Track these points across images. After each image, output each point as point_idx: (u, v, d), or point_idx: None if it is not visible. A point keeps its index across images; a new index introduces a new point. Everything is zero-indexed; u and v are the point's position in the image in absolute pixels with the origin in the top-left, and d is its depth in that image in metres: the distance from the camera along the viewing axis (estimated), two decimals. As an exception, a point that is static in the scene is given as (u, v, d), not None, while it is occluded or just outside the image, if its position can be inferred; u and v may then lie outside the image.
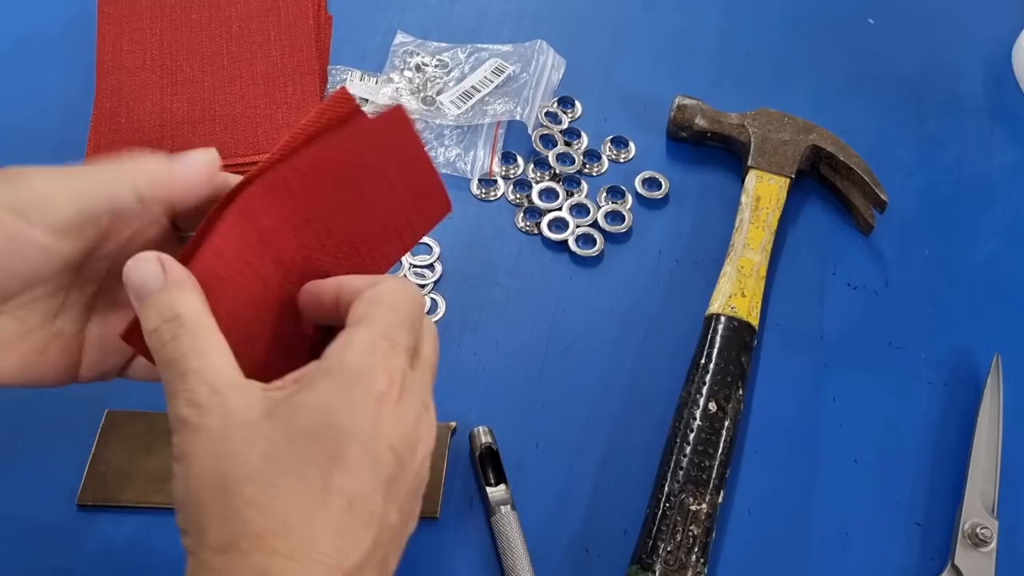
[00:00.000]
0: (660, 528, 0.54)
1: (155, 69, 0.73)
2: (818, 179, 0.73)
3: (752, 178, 0.69)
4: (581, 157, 0.73)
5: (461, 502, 0.57)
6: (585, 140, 0.74)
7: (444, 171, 0.72)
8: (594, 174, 0.73)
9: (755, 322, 0.62)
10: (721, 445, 0.57)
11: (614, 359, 0.63)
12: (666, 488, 0.55)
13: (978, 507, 0.57)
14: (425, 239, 0.65)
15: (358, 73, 0.76)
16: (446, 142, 0.73)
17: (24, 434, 0.58)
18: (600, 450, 0.60)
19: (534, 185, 0.71)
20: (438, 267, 0.66)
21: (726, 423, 0.58)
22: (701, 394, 0.58)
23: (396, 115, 0.44)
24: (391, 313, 0.38)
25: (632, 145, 0.74)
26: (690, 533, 0.54)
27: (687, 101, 0.73)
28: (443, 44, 0.79)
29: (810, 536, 0.57)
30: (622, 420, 0.61)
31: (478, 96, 0.75)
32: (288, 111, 0.71)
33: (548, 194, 0.70)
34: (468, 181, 0.71)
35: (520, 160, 0.73)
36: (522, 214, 0.70)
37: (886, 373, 0.64)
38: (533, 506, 0.56)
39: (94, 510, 0.55)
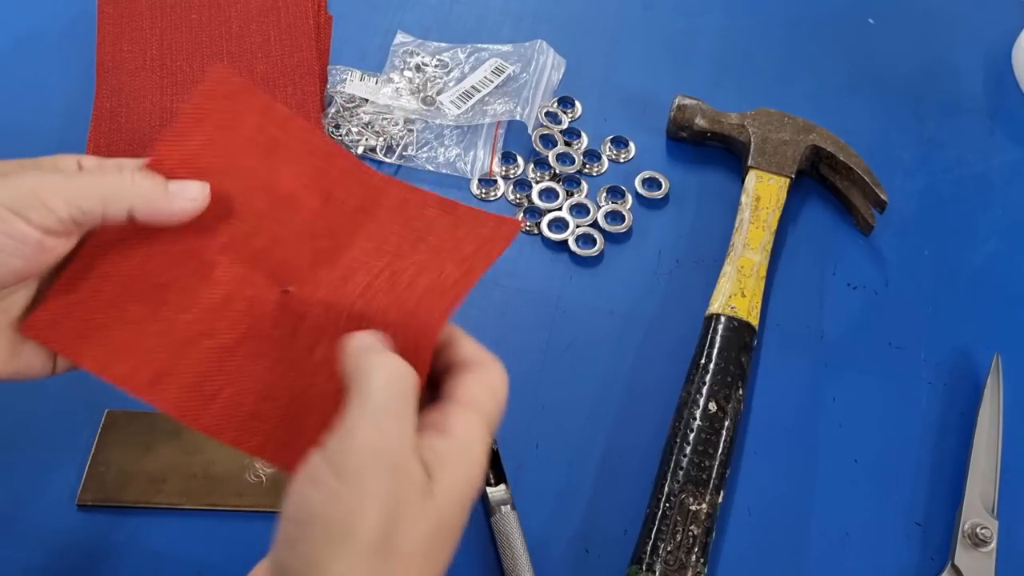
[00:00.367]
0: (660, 528, 0.54)
1: (155, 69, 0.73)
2: (818, 179, 0.73)
3: (752, 178, 0.70)
4: (581, 157, 0.73)
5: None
6: (585, 140, 0.74)
7: (444, 171, 0.72)
8: (594, 174, 0.73)
9: (755, 322, 0.62)
10: (721, 445, 0.57)
11: (614, 359, 0.63)
12: (666, 488, 0.55)
13: (978, 507, 0.57)
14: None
15: (358, 73, 0.76)
16: (446, 142, 0.73)
17: (24, 434, 0.57)
18: (600, 450, 0.60)
19: (534, 185, 0.71)
20: (438, 267, 0.66)
21: (726, 423, 0.58)
22: (701, 394, 0.58)
23: (509, 228, 0.45)
24: (498, 411, 0.40)
25: (632, 145, 0.74)
26: (690, 533, 0.54)
27: (687, 101, 0.73)
28: (443, 44, 0.80)
29: (810, 536, 0.57)
30: (622, 420, 0.61)
31: (478, 96, 0.75)
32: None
33: (548, 194, 0.70)
34: (468, 181, 0.71)
35: (520, 160, 0.73)
36: (522, 214, 0.70)
37: (886, 373, 0.64)
38: (533, 506, 0.56)
39: (94, 510, 0.55)
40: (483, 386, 0.40)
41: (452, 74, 0.77)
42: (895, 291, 0.68)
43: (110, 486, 0.55)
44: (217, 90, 0.43)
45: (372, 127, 0.73)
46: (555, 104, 0.76)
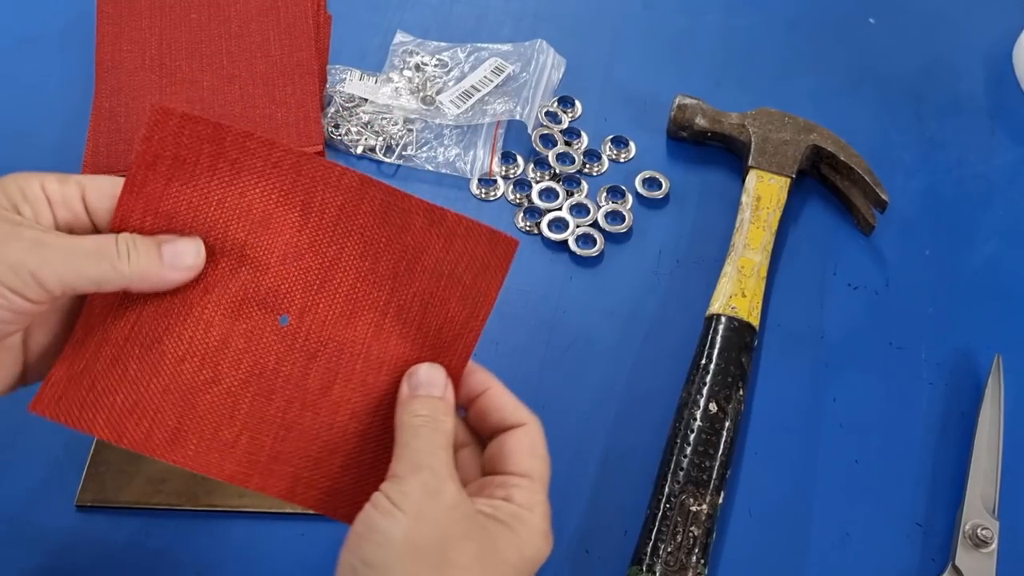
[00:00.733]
0: (660, 529, 0.54)
1: (154, 69, 0.73)
2: (819, 179, 0.73)
3: (753, 178, 0.69)
4: (581, 157, 0.73)
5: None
6: (585, 140, 0.74)
7: (443, 171, 0.72)
8: (594, 174, 0.73)
9: (756, 322, 0.62)
10: (721, 446, 0.57)
11: (614, 359, 0.63)
12: (666, 489, 0.55)
13: (979, 508, 0.57)
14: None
15: (357, 72, 0.76)
16: (446, 142, 0.73)
17: (23, 435, 0.57)
18: (600, 450, 0.60)
19: (534, 185, 0.71)
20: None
21: (726, 424, 0.58)
22: (701, 394, 0.58)
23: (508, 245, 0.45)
24: (548, 474, 0.44)
25: (632, 145, 0.74)
26: (690, 534, 0.54)
27: (687, 101, 0.73)
28: (443, 44, 0.79)
29: (811, 537, 0.57)
30: (622, 420, 0.61)
31: (478, 96, 0.75)
32: (287, 111, 0.71)
33: (548, 194, 0.70)
34: (468, 181, 0.71)
35: (520, 160, 0.72)
36: (522, 214, 0.70)
37: (887, 373, 0.64)
38: (533, 507, 0.56)
39: (93, 511, 0.55)
40: (534, 455, 0.43)
41: (452, 74, 0.77)
42: (896, 291, 0.68)
43: (109, 487, 0.55)
44: (161, 128, 0.41)
45: (371, 127, 0.73)
46: (555, 104, 0.76)
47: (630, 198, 0.71)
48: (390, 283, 0.44)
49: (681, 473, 0.56)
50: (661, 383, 0.62)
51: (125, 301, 0.42)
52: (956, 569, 0.55)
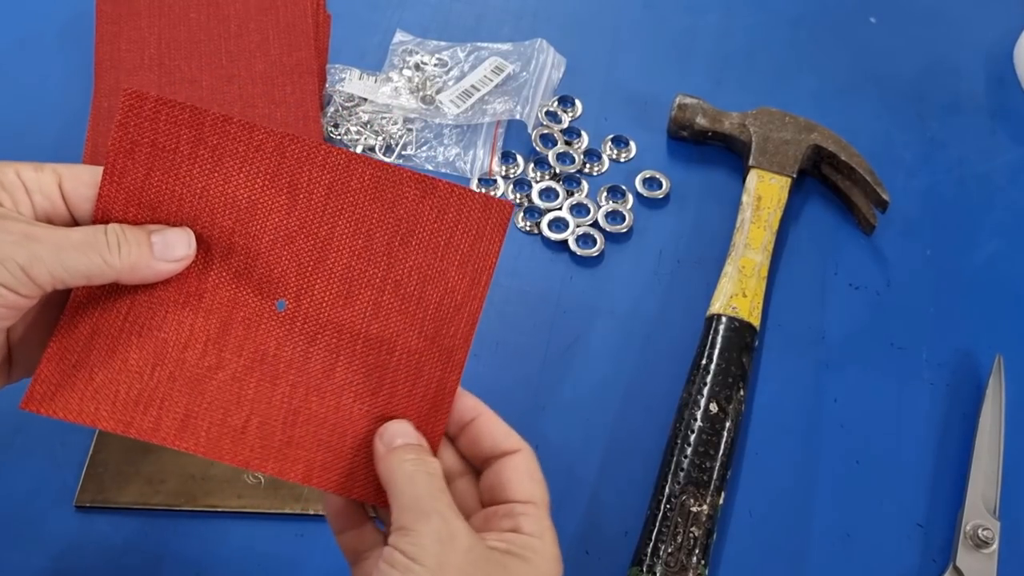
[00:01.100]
0: (661, 530, 0.54)
1: (153, 68, 0.72)
2: (820, 179, 0.73)
3: (753, 178, 0.69)
4: (581, 156, 0.73)
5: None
6: (585, 139, 0.74)
7: (443, 170, 0.72)
8: (594, 174, 0.73)
9: (756, 322, 0.62)
10: (722, 446, 0.57)
11: (614, 359, 0.63)
12: (667, 489, 0.55)
13: (980, 508, 0.56)
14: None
15: (357, 72, 0.76)
16: (445, 141, 0.73)
17: (22, 435, 0.57)
18: (600, 450, 0.60)
19: (534, 185, 0.71)
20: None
21: (727, 424, 0.58)
22: (702, 395, 0.58)
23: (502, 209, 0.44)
24: (547, 497, 0.43)
25: (633, 144, 0.74)
26: (691, 535, 0.54)
27: (688, 100, 0.73)
28: (442, 43, 0.79)
29: (811, 538, 0.57)
30: (622, 421, 0.61)
31: (478, 95, 0.75)
32: (287, 110, 0.71)
33: (548, 194, 0.70)
34: (467, 180, 0.71)
35: (520, 159, 0.72)
36: (522, 214, 0.70)
37: (888, 374, 0.64)
38: (533, 507, 0.56)
39: (92, 511, 0.55)
40: (533, 479, 0.43)
41: (451, 73, 0.77)
42: (897, 291, 0.68)
43: (108, 487, 0.55)
44: (136, 114, 0.40)
45: (371, 126, 0.73)
46: (555, 103, 0.76)
47: (630, 198, 0.71)
48: (385, 259, 0.43)
49: (681, 473, 0.56)
50: (661, 383, 0.61)
51: (113, 292, 0.42)
52: (957, 569, 0.55)
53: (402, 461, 0.41)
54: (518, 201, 0.70)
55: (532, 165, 0.72)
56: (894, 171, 0.73)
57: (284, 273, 0.43)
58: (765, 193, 0.68)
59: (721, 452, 0.57)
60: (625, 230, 0.69)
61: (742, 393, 0.59)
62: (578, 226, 0.69)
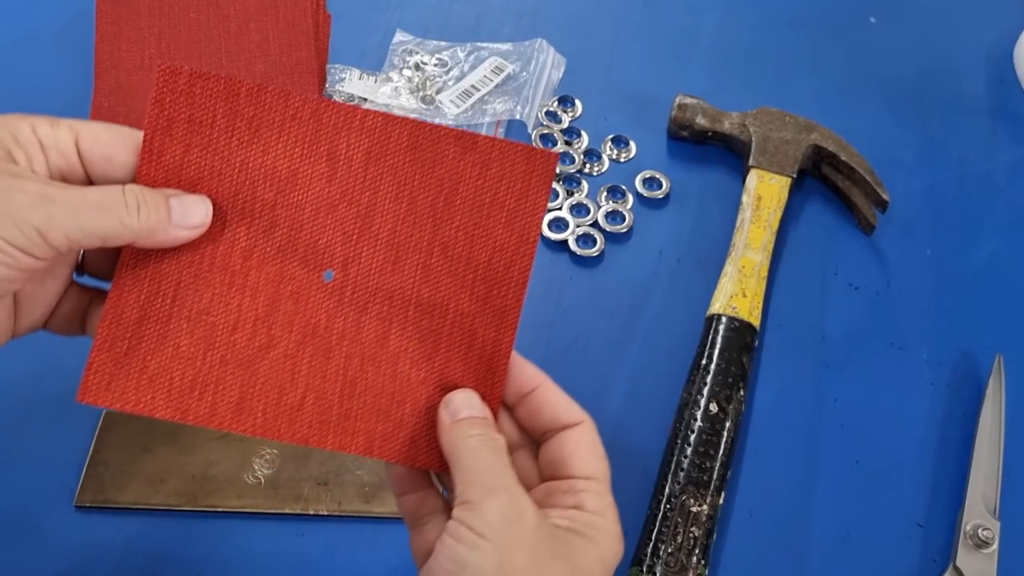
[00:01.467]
0: (661, 530, 0.54)
1: (153, 68, 0.72)
2: (820, 179, 0.73)
3: (753, 178, 0.69)
4: (581, 156, 0.73)
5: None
6: (585, 139, 0.74)
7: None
8: (594, 173, 0.73)
9: (756, 322, 0.62)
10: (722, 446, 0.57)
11: (614, 359, 0.63)
12: (667, 489, 0.55)
13: (980, 508, 0.56)
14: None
15: (357, 72, 0.76)
16: (446, 141, 0.73)
17: (22, 435, 0.57)
18: (600, 451, 0.60)
19: (534, 185, 0.71)
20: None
21: (727, 424, 0.58)
22: (702, 395, 0.58)
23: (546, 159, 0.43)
24: (609, 472, 0.43)
25: (633, 144, 0.74)
26: (691, 535, 0.54)
27: (688, 100, 0.73)
28: (442, 43, 0.79)
29: (811, 537, 0.57)
30: (622, 421, 0.61)
31: (478, 95, 0.75)
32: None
33: (548, 194, 0.70)
34: (468, 181, 0.71)
35: (520, 159, 0.72)
36: (522, 214, 0.70)
37: (888, 374, 0.64)
38: (533, 507, 0.56)
39: (92, 511, 0.55)
40: (595, 454, 0.42)
41: (451, 73, 0.77)
42: (897, 291, 0.68)
43: (108, 487, 0.55)
44: (172, 89, 0.40)
45: (371, 126, 0.73)
46: (555, 103, 0.76)
47: (630, 198, 0.71)
48: (431, 221, 0.42)
49: (681, 473, 0.55)
50: (661, 383, 0.61)
51: (157, 276, 0.41)
52: (957, 569, 0.55)
53: (467, 436, 0.40)
54: (518, 201, 0.70)
55: (532, 165, 0.72)
56: (894, 171, 0.73)
57: (329, 243, 0.42)
58: (765, 193, 0.68)
59: (721, 452, 0.57)
60: (625, 230, 0.69)
61: (742, 393, 0.59)
62: (578, 226, 0.69)
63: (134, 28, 0.74)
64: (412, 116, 0.72)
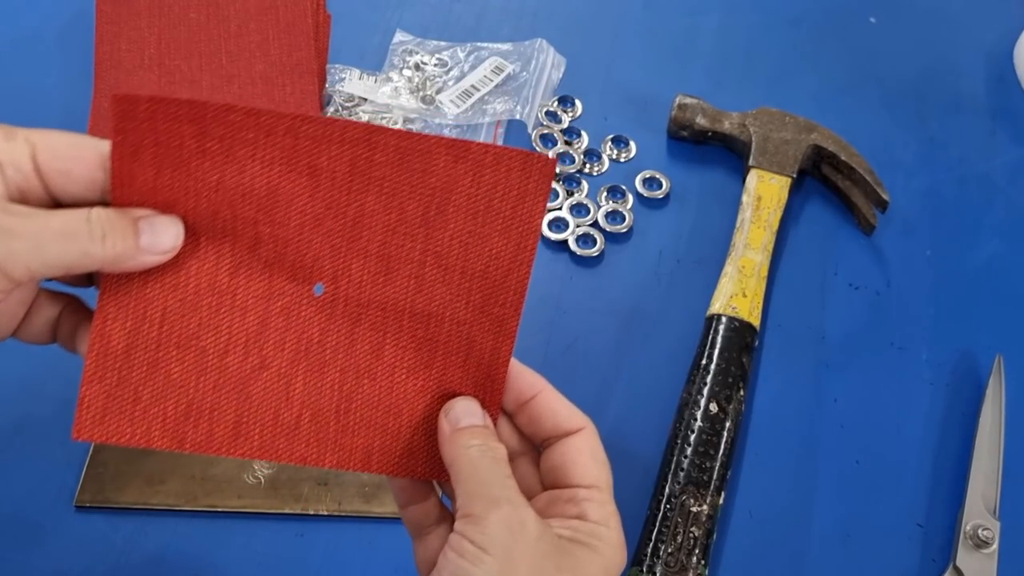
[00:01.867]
0: (661, 530, 0.54)
1: (153, 68, 0.72)
2: (820, 179, 0.73)
3: (753, 178, 0.69)
4: (581, 156, 0.73)
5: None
6: (585, 139, 0.74)
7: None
8: (594, 173, 0.73)
9: (756, 322, 0.62)
10: (722, 446, 0.57)
11: (614, 359, 0.63)
12: (667, 489, 0.55)
13: (980, 508, 0.56)
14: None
15: (357, 72, 0.76)
16: (446, 141, 0.73)
17: (22, 434, 0.57)
18: (600, 451, 0.60)
19: (534, 185, 0.71)
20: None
21: (727, 424, 0.57)
22: (702, 395, 0.58)
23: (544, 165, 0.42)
24: (611, 478, 0.42)
25: (633, 144, 0.74)
26: (691, 535, 0.54)
27: (688, 100, 0.73)
28: (442, 43, 0.79)
29: (811, 538, 0.57)
30: (622, 421, 0.61)
31: (478, 95, 0.75)
32: (287, 110, 0.71)
33: (548, 194, 0.70)
34: (468, 181, 0.71)
35: (520, 159, 0.72)
36: (522, 214, 0.70)
37: (888, 374, 0.64)
38: (533, 507, 0.56)
39: (92, 511, 0.55)
40: (597, 461, 0.42)
41: (451, 73, 0.77)
42: (897, 291, 0.68)
43: (108, 487, 0.55)
44: (131, 118, 0.38)
45: (371, 126, 0.73)
46: (555, 103, 0.76)
47: (630, 198, 0.71)
48: (423, 231, 0.41)
49: (681, 474, 0.55)
50: (661, 383, 0.61)
51: (141, 302, 0.40)
52: (957, 569, 0.55)
53: (468, 446, 0.40)
54: (518, 201, 0.70)
55: (532, 165, 0.72)
56: (894, 171, 0.73)
57: (317, 256, 0.41)
58: (765, 193, 0.68)
59: (721, 452, 0.57)
60: (625, 230, 0.69)
61: (742, 393, 0.59)
62: (578, 226, 0.69)
63: (134, 28, 0.74)
64: (413, 116, 0.73)
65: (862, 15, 0.85)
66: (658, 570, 0.52)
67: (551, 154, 0.72)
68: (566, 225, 0.69)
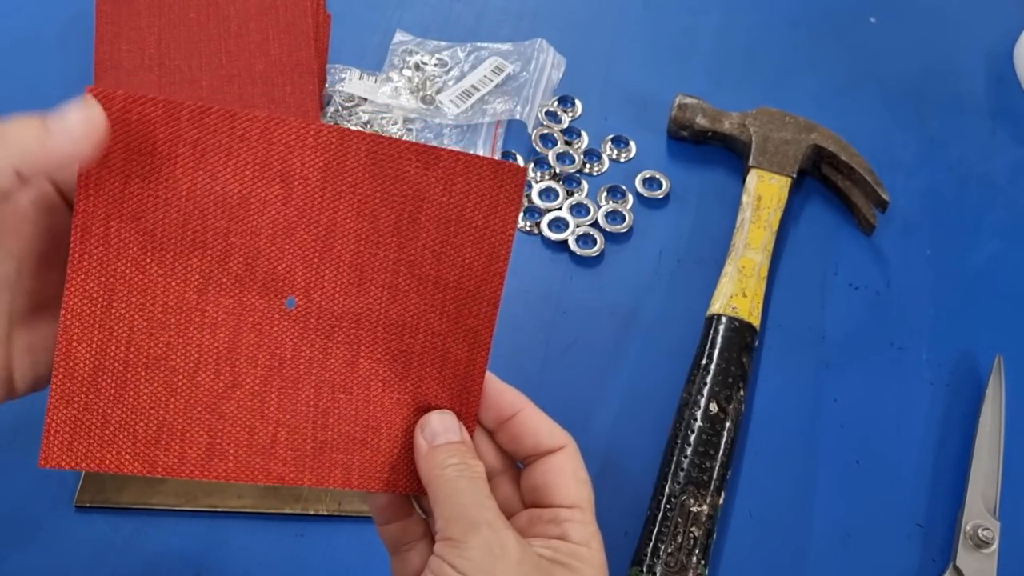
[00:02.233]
0: (661, 530, 0.54)
1: (153, 68, 0.72)
2: (820, 179, 0.73)
3: (753, 178, 0.69)
4: (581, 156, 0.73)
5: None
6: (585, 139, 0.74)
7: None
8: (594, 173, 0.73)
9: (756, 322, 0.62)
10: (722, 446, 0.57)
11: (614, 359, 0.63)
12: (667, 489, 0.55)
13: (980, 508, 0.56)
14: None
15: (357, 72, 0.76)
16: (445, 141, 0.73)
17: (22, 434, 0.57)
18: (600, 451, 0.60)
19: (534, 185, 0.71)
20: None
21: (727, 424, 0.58)
22: (702, 395, 0.58)
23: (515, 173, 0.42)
24: (593, 497, 0.42)
25: (633, 144, 0.74)
26: (691, 535, 0.54)
27: (688, 100, 0.73)
28: (442, 43, 0.79)
29: (811, 538, 0.57)
30: (622, 421, 0.61)
31: (478, 95, 0.75)
32: (286, 110, 0.71)
33: (548, 194, 0.70)
34: (468, 181, 0.71)
35: (520, 159, 0.72)
36: (522, 214, 0.70)
37: (888, 374, 0.64)
38: (533, 507, 0.56)
39: (92, 511, 0.55)
40: (578, 479, 0.41)
41: (451, 73, 0.77)
42: (897, 291, 0.68)
43: (108, 487, 0.55)
44: (107, 115, 0.37)
45: (371, 126, 0.73)
46: (555, 103, 0.76)
47: (630, 198, 0.71)
48: (395, 240, 0.41)
49: (681, 474, 0.55)
50: (661, 383, 0.61)
51: (107, 322, 0.39)
52: (957, 569, 0.55)
53: (445, 466, 0.39)
54: (518, 201, 0.70)
55: (532, 165, 0.72)
56: (894, 171, 0.73)
57: (289, 269, 0.40)
58: (765, 193, 0.68)
59: (721, 452, 0.57)
60: (625, 230, 0.69)
61: (742, 393, 0.59)
62: (578, 226, 0.69)
63: (134, 28, 0.74)
64: (413, 116, 0.73)
65: (862, 15, 0.85)
66: (658, 570, 0.52)
67: (551, 154, 0.72)
68: (566, 225, 0.69)
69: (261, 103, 0.71)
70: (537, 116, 0.74)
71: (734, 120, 0.72)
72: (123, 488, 0.55)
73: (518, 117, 0.73)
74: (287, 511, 0.55)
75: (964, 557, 0.55)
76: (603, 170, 0.73)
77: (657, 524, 0.54)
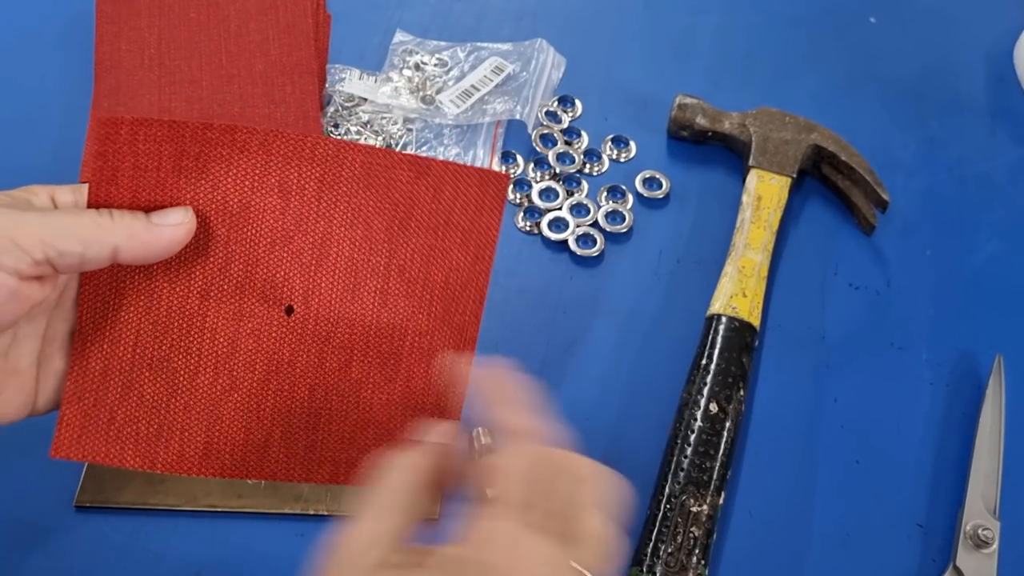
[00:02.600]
0: (661, 530, 0.54)
1: (153, 68, 0.72)
2: (820, 179, 0.73)
3: (753, 178, 0.69)
4: (581, 156, 0.73)
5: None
6: (585, 139, 0.74)
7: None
8: (594, 173, 0.73)
9: (756, 322, 0.62)
10: (722, 446, 0.57)
11: (614, 359, 0.63)
12: (667, 490, 0.55)
13: (980, 508, 0.56)
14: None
15: (357, 72, 0.76)
16: (445, 141, 0.73)
17: (22, 435, 0.57)
18: (600, 451, 0.59)
19: (534, 185, 0.71)
20: (438, 267, 0.66)
21: (727, 424, 0.58)
22: (702, 395, 0.58)
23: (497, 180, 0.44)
24: (518, 492, 0.38)
25: (633, 144, 0.74)
26: (691, 535, 0.54)
27: (688, 100, 0.73)
28: (442, 43, 0.79)
29: (811, 538, 0.57)
30: (622, 421, 0.61)
31: (478, 95, 0.75)
32: (286, 110, 0.71)
33: (548, 194, 0.70)
34: (468, 181, 0.71)
35: (520, 159, 0.72)
36: (522, 214, 0.70)
37: (888, 374, 0.64)
38: (533, 507, 0.56)
39: (92, 511, 0.55)
40: (501, 473, 0.39)
41: (451, 73, 0.77)
42: (897, 291, 0.68)
43: (108, 487, 0.55)
44: (113, 141, 0.39)
45: (371, 126, 0.73)
46: (555, 103, 0.76)
47: (630, 198, 0.71)
48: (387, 245, 0.43)
49: (681, 474, 0.55)
50: (661, 383, 0.61)
51: (117, 325, 0.41)
52: (957, 569, 0.55)
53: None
54: (518, 201, 0.70)
55: (532, 165, 0.72)
56: (894, 171, 0.73)
57: (287, 276, 0.42)
58: (765, 193, 0.68)
59: (721, 452, 0.57)
60: (625, 230, 0.69)
61: (742, 393, 0.59)
62: (578, 226, 0.69)
63: (134, 28, 0.74)
64: (413, 116, 0.73)
65: (862, 15, 0.85)
66: (658, 570, 0.52)
67: (551, 154, 0.72)
68: (566, 225, 0.69)
69: (261, 103, 0.71)
70: (537, 116, 0.74)
71: (734, 120, 0.72)
72: (123, 488, 0.55)
73: (518, 117, 0.73)
74: (287, 511, 0.55)
75: (964, 557, 0.55)
76: (603, 170, 0.73)
77: (657, 524, 0.54)
